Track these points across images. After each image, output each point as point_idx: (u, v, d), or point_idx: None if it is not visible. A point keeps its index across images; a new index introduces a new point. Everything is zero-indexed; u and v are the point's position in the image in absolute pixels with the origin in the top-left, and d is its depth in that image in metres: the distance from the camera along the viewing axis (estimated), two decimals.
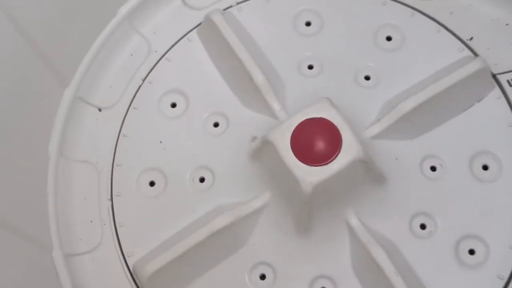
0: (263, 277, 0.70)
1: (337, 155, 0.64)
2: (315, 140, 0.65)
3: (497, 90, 0.73)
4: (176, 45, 0.79)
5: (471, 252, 0.68)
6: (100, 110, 0.78)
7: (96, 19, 0.77)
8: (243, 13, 0.80)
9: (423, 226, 0.69)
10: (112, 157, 0.76)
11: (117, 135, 0.76)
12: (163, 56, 0.79)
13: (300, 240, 0.70)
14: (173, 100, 0.77)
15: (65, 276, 0.70)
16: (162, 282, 0.69)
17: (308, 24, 0.79)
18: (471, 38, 0.75)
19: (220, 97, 0.76)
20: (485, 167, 0.71)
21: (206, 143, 0.75)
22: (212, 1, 0.80)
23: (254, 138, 0.71)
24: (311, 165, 0.64)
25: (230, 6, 0.80)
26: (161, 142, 0.76)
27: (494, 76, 0.74)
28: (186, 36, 0.80)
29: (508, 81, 0.73)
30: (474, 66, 0.71)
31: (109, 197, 0.74)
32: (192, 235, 0.68)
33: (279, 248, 0.70)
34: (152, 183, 0.74)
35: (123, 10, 0.78)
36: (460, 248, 0.68)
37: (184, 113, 0.76)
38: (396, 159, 0.71)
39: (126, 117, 0.77)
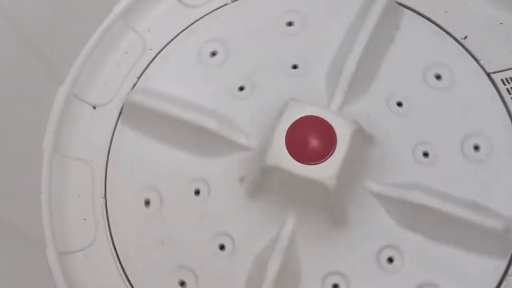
0: (336, 286, 0.69)
1: (336, 140, 0.64)
2: (310, 138, 0.65)
3: (491, 89, 0.73)
4: (171, 43, 0.79)
5: (476, 147, 0.71)
6: (94, 107, 0.78)
7: (91, 17, 0.77)
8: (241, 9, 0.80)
9: (425, 154, 0.71)
10: (106, 155, 0.75)
11: (111, 133, 0.76)
12: (158, 53, 0.79)
13: (342, 234, 0.69)
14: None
15: (59, 273, 0.70)
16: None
17: (213, 54, 0.79)
18: (465, 37, 0.75)
19: (185, 165, 0.75)
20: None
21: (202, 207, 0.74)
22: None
23: (242, 178, 0.71)
24: (321, 162, 0.64)
25: (225, 4, 0.80)
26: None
27: (488, 75, 0.74)
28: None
29: (502, 80, 0.73)
30: (379, 3, 0.73)
31: (103, 195, 0.74)
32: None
33: (331, 253, 0.69)
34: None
35: (118, 7, 0.78)
36: (466, 149, 0.71)
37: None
38: (368, 113, 0.72)
39: (121, 114, 0.77)
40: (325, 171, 0.64)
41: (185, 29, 0.80)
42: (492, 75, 0.74)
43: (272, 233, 0.69)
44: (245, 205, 0.71)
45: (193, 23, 0.80)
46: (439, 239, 0.68)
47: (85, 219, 0.74)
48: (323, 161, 0.64)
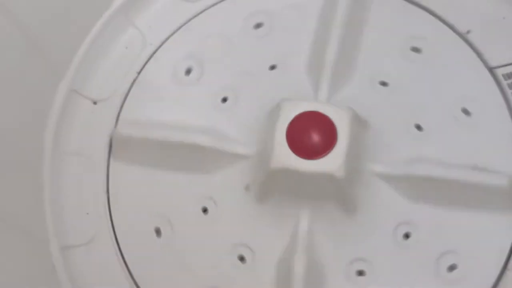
0: (361, 273, 0.69)
1: (318, 158, 0.64)
2: (310, 134, 0.65)
3: (493, 84, 0.73)
4: (171, 38, 0.79)
5: (466, 112, 0.72)
6: (95, 103, 0.78)
7: (91, 11, 0.77)
8: None
9: (418, 127, 0.71)
10: (108, 150, 0.75)
11: (112, 128, 0.76)
12: (158, 49, 0.78)
13: (355, 221, 0.69)
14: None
15: (61, 268, 0.70)
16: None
17: (188, 71, 0.78)
18: (468, 31, 0.75)
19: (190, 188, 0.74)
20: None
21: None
22: None
23: (247, 186, 0.71)
24: (326, 155, 0.64)
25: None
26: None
27: (490, 69, 0.73)
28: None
29: (503, 75, 0.73)
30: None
31: (105, 189, 0.74)
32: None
33: (350, 241, 0.69)
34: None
35: (118, 2, 0.78)
36: (458, 116, 0.72)
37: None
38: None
39: (122, 109, 0.77)
40: (332, 163, 0.64)
41: (185, 24, 0.79)
42: (494, 70, 0.73)
43: (289, 234, 0.69)
44: (256, 212, 0.71)
45: (193, 17, 0.79)
46: (450, 205, 0.68)
47: (87, 214, 0.74)
48: (327, 154, 0.64)
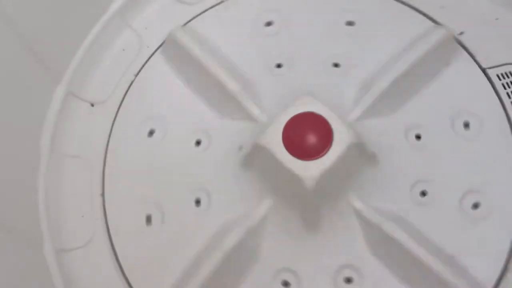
0: (286, 284, 0.69)
1: (331, 144, 0.64)
2: (307, 134, 0.65)
3: (487, 84, 0.74)
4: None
5: (475, 205, 0.68)
6: (92, 105, 0.78)
7: (88, 15, 0.78)
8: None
9: (423, 193, 0.70)
10: (104, 153, 0.75)
11: (109, 131, 0.76)
12: (155, 51, 0.79)
13: (311, 237, 0.69)
14: (151, 127, 0.76)
15: (56, 271, 0.70)
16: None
17: (268, 24, 0.79)
18: (462, 33, 0.76)
19: (197, 113, 0.76)
20: (466, 125, 0.72)
21: (193, 163, 0.74)
22: None
23: (241, 147, 0.72)
24: (309, 160, 0.64)
25: (222, 2, 0.80)
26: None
27: (484, 70, 0.74)
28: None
29: (498, 76, 0.73)
30: (438, 34, 0.73)
31: (101, 192, 0.74)
32: (208, 261, 0.67)
33: (294, 250, 0.70)
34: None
35: (115, 5, 0.78)
36: (464, 205, 0.69)
37: (164, 136, 0.76)
38: (382, 135, 0.72)
39: (119, 112, 0.77)
40: (309, 170, 0.64)
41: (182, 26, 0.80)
42: (488, 71, 0.74)
43: (247, 209, 0.70)
44: (233, 172, 0.72)
45: (190, 19, 0.80)
46: (403, 278, 0.67)
47: (83, 217, 0.73)
48: (310, 160, 0.64)
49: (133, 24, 0.81)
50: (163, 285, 0.69)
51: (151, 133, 0.76)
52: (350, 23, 0.78)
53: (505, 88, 0.73)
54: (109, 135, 0.76)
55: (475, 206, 0.69)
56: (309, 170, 0.64)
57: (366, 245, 0.69)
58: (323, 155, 0.64)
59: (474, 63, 0.75)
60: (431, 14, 0.77)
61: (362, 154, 0.68)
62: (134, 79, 0.78)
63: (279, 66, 0.77)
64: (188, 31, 0.77)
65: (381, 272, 0.68)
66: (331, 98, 0.70)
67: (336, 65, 0.76)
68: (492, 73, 0.74)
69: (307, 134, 0.66)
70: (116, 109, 0.77)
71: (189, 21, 0.80)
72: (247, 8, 0.80)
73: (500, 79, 0.73)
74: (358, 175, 0.69)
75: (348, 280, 0.68)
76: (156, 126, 0.76)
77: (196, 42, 0.75)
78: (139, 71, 0.78)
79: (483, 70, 0.74)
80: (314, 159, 0.64)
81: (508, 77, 0.73)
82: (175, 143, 0.75)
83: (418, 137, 0.72)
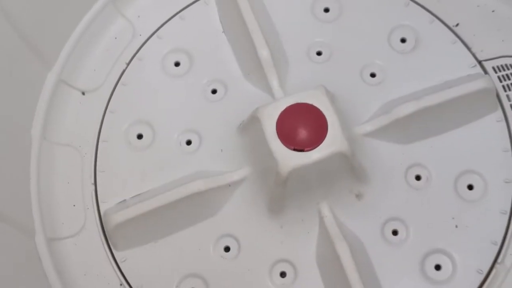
0: (227, 249, 0.70)
1: (319, 144, 0.64)
2: (301, 125, 0.65)
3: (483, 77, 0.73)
4: (161, 29, 0.79)
5: (437, 267, 0.68)
6: (83, 93, 0.77)
7: (80, 2, 0.77)
8: None
9: (395, 232, 0.69)
10: (95, 141, 0.75)
11: (100, 119, 0.76)
12: (147, 39, 0.78)
13: (270, 221, 0.70)
14: (176, 60, 0.77)
15: (48, 260, 0.70)
16: (128, 234, 0.69)
17: (326, 10, 0.78)
18: (457, 24, 0.75)
19: (223, 65, 0.76)
20: (470, 187, 0.70)
21: (198, 109, 0.75)
22: None
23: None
24: (292, 149, 0.64)
25: None
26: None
27: (480, 62, 0.73)
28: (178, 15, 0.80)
29: (493, 68, 0.73)
30: (479, 83, 0.70)
31: (93, 181, 0.74)
32: (165, 193, 0.68)
33: (248, 224, 0.70)
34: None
35: None
36: (427, 262, 0.68)
37: (186, 74, 0.77)
38: (383, 161, 0.71)
39: (111, 100, 0.76)
40: (288, 159, 0.64)
41: (174, 16, 0.79)
42: (484, 63, 0.73)
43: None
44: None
45: (182, 9, 0.79)
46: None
47: (74, 205, 0.73)
48: (294, 150, 0.64)
49: (126, 12, 0.80)
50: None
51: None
52: (403, 40, 0.77)
53: (500, 81, 0.73)
54: (101, 124, 0.76)
55: (438, 268, 0.68)
56: (288, 159, 0.64)
57: (315, 251, 0.69)
58: (308, 151, 0.64)
59: (471, 55, 0.74)
60: (427, 6, 0.76)
61: (350, 168, 0.67)
62: (126, 67, 0.77)
63: (319, 54, 0.76)
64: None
65: (316, 281, 0.68)
66: (351, 103, 0.70)
67: (373, 75, 0.75)
68: (488, 65, 0.73)
69: (301, 125, 0.65)
70: (108, 98, 0.76)
71: (182, 9, 0.79)
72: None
73: (496, 72, 0.73)
74: (339, 186, 0.69)
75: (282, 274, 0.69)
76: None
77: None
78: (131, 59, 0.78)
79: (479, 62, 0.73)
80: (298, 151, 0.64)
81: (504, 69, 0.73)
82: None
83: (417, 178, 0.71)
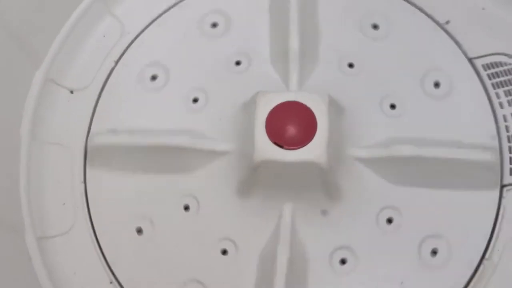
0: (187, 208, 0.71)
1: (300, 147, 0.64)
2: (291, 123, 0.65)
3: (473, 75, 0.73)
4: (149, 27, 0.78)
5: (434, 252, 0.68)
6: (72, 92, 0.77)
7: (68, 0, 0.76)
8: None
9: (343, 261, 0.69)
10: (85, 140, 0.75)
11: (90, 117, 0.75)
12: (136, 37, 0.78)
13: (234, 200, 0.70)
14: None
15: (38, 259, 0.70)
16: (106, 157, 0.72)
17: (375, 26, 0.77)
18: (448, 22, 0.75)
19: (254, 40, 0.77)
20: (434, 251, 0.69)
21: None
22: None
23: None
24: (273, 142, 0.64)
25: None
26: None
27: (470, 60, 0.73)
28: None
29: (483, 66, 0.73)
30: (488, 155, 0.68)
31: (82, 180, 0.74)
32: (152, 137, 0.71)
33: (213, 194, 0.71)
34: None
35: None
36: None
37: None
38: (363, 189, 0.70)
39: (100, 98, 0.76)
40: (314, 150, 0.64)
41: (163, 13, 0.79)
42: (474, 61, 0.73)
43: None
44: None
45: (171, 7, 0.79)
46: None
47: (64, 204, 0.73)
48: (309, 142, 0.64)
49: (114, 10, 0.79)
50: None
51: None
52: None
53: (490, 79, 0.72)
54: (90, 122, 0.75)
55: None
56: (264, 150, 0.64)
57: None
58: (286, 149, 0.64)
59: (460, 52, 0.74)
60: (417, 3, 0.75)
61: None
62: (115, 66, 0.77)
63: (351, 65, 0.75)
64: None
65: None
66: (362, 124, 0.71)
67: (393, 106, 0.73)
68: (478, 63, 0.73)
69: (290, 124, 0.65)
70: (97, 96, 0.76)
71: (171, 7, 0.79)
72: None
73: (485, 70, 0.73)
74: (310, 196, 0.68)
75: (390, 221, 0.69)
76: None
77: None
78: (120, 57, 0.77)
79: (469, 60, 0.73)
80: (277, 146, 0.64)
81: (494, 67, 0.72)
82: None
83: (389, 220, 0.70)
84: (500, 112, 0.71)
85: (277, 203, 0.69)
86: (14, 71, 0.73)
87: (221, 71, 0.76)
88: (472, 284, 0.67)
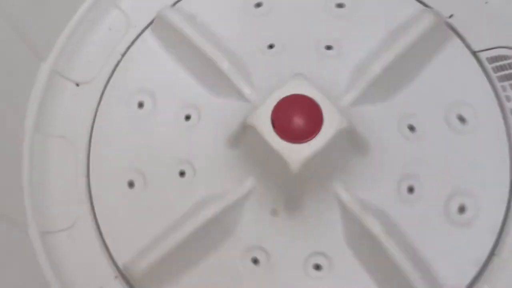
0: (255, 261, 0.69)
1: (320, 128, 0.64)
2: (296, 117, 0.65)
3: (477, 67, 0.73)
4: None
5: (461, 209, 0.68)
6: (77, 85, 0.77)
7: None
8: None
9: (410, 189, 0.69)
10: (89, 134, 0.75)
11: (94, 111, 0.75)
12: (142, 31, 0.78)
13: (289, 220, 0.69)
14: (139, 101, 0.76)
15: (42, 253, 0.69)
16: (155, 278, 0.68)
17: (258, 5, 0.78)
18: (451, 16, 0.75)
19: (188, 89, 0.75)
20: (461, 118, 0.71)
21: (181, 136, 0.74)
22: None
23: (229, 124, 0.72)
24: (296, 143, 0.64)
25: None
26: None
27: (474, 53, 0.74)
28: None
29: (487, 59, 0.73)
30: (428, 19, 0.72)
31: (86, 174, 0.73)
32: (181, 229, 0.67)
33: (269, 230, 0.70)
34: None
35: None
36: (450, 207, 0.68)
37: (153, 110, 0.75)
38: (374, 123, 0.71)
39: (105, 91, 0.76)
40: (295, 153, 0.63)
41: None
42: (478, 54, 0.74)
43: (229, 185, 0.70)
44: (220, 148, 0.72)
45: (177, 1, 0.79)
46: (371, 271, 0.68)
47: (68, 198, 0.73)
48: (298, 143, 0.64)
49: (121, 3, 0.79)
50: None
51: (139, 107, 0.75)
52: (340, 5, 0.77)
53: (495, 72, 0.73)
54: (95, 115, 0.75)
55: (461, 210, 0.68)
56: (295, 153, 0.63)
57: (343, 235, 0.69)
58: (311, 139, 0.63)
59: (464, 46, 0.74)
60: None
61: (352, 141, 0.67)
62: (121, 58, 0.77)
63: (271, 46, 0.76)
64: (177, 10, 0.76)
65: (352, 262, 0.68)
66: (324, 81, 0.69)
67: (329, 47, 0.75)
68: (482, 56, 0.74)
69: (296, 117, 0.65)
70: (102, 89, 0.76)
71: (178, 1, 0.79)
72: None
73: (490, 63, 0.73)
74: (347, 164, 0.69)
75: (317, 267, 0.68)
76: (144, 100, 0.76)
77: (187, 21, 0.74)
78: (126, 50, 0.77)
79: (474, 53, 0.74)
80: (302, 142, 0.63)
81: (498, 60, 0.73)
82: (163, 117, 0.75)
83: (411, 128, 0.71)
84: (507, 106, 0.72)
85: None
86: (20, 63, 0.72)
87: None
88: None
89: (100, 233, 0.71)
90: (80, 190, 0.73)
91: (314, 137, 0.64)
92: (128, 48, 0.77)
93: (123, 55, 0.77)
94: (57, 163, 0.74)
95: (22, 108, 0.73)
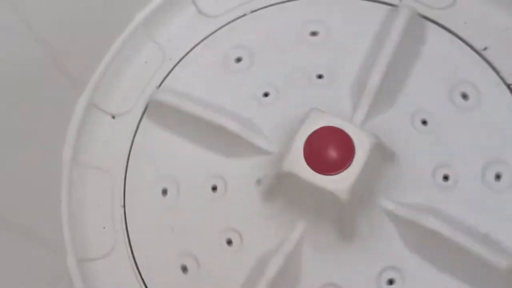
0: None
1: (354, 153, 0.64)
2: (328, 149, 0.65)
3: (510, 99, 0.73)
4: (191, 52, 0.79)
5: (498, 176, 0.69)
6: (113, 117, 0.78)
7: (112, 26, 0.78)
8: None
9: (445, 178, 0.70)
10: (125, 164, 0.76)
11: (130, 142, 0.77)
12: (177, 63, 0.79)
13: (349, 247, 0.69)
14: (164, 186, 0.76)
15: (79, 281, 0.71)
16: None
17: (238, 60, 0.79)
18: (485, 48, 0.75)
19: (205, 162, 0.75)
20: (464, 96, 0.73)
21: (214, 208, 0.74)
22: (226, 9, 0.80)
23: (259, 180, 0.72)
24: (337, 173, 0.64)
25: (244, 15, 0.80)
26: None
27: (508, 86, 0.73)
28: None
29: None
30: (404, 13, 0.73)
31: (122, 203, 0.75)
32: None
33: (333, 264, 0.70)
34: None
35: (139, 16, 0.78)
36: (487, 178, 0.70)
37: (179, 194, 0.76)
38: (390, 130, 0.72)
39: (140, 123, 0.77)
40: (339, 183, 0.64)
41: (205, 38, 0.80)
42: None
43: (281, 237, 0.70)
44: (258, 206, 0.72)
45: (213, 32, 0.80)
46: (444, 268, 0.68)
47: (104, 228, 0.74)
48: (338, 173, 0.64)
49: (156, 36, 0.80)
50: None
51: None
52: (314, 33, 0.78)
53: None
54: (130, 147, 0.76)
55: (498, 177, 0.69)
56: (340, 183, 0.64)
57: (403, 244, 0.69)
58: (349, 165, 0.64)
59: (499, 79, 0.74)
60: (453, 29, 0.76)
61: (383, 154, 0.68)
62: (162, 82, 0.78)
63: (266, 95, 0.76)
64: (165, 90, 0.77)
65: (421, 266, 0.68)
66: (331, 108, 0.70)
67: (320, 76, 0.76)
68: None
69: (328, 149, 0.65)
70: (138, 121, 0.77)
71: (212, 33, 0.80)
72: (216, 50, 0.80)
73: None
74: (383, 176, 0.69)
75: (391, 282, 0.69)
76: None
77: (179, 97, 0.74)
78: (161, 83, 0.78)
79: (508, 86, 0.73)
80: (342, 171, 0.64)
81: None
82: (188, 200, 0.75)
83: (424, 122, 0.73)
84: None
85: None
86: (58, 95, 0.74)
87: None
88: None
89: (135, 262, 0.72)
90: (116, 220, 0.74)
91: (351, 163, 0.64)
92: (163, 80, 0.78)
93: (158, 87, 0.78)
94: (94, 193, 0.75)
95: (60, 140, 0.75)
